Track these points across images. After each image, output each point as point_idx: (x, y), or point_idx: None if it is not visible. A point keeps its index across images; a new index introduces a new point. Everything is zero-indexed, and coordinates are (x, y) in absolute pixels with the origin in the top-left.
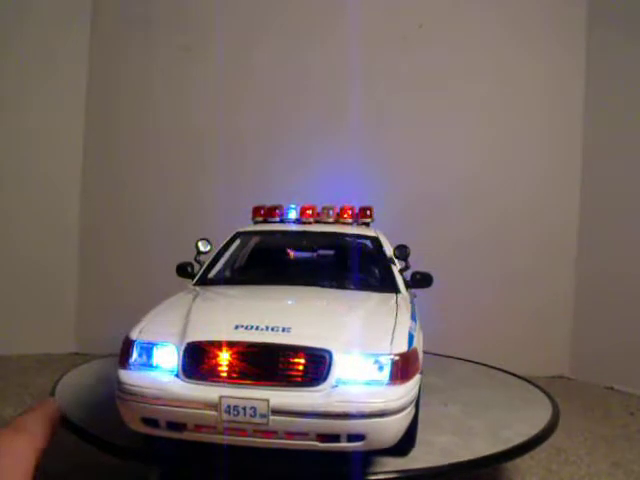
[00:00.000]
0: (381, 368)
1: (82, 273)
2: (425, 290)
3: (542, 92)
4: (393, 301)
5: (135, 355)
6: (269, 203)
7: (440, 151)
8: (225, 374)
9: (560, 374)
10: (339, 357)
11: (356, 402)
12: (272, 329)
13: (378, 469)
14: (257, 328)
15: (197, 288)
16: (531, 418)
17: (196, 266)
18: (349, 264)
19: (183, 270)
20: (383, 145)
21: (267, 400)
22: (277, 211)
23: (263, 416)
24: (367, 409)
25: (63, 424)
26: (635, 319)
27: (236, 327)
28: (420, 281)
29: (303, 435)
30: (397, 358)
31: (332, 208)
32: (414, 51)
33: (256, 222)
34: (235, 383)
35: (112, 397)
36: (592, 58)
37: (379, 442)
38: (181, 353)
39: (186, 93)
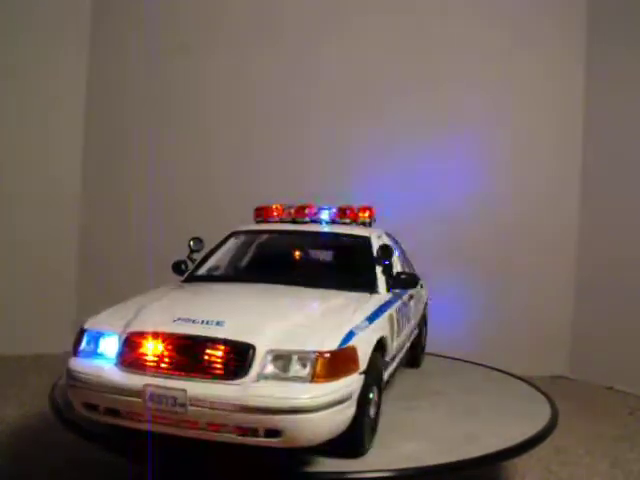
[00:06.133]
0: (304, 365)
1: (82, 273)
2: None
3: (543, 93)
4: (361, 300)
5: (84, 344)
6: (266, 203)
7: (441, 154)
8: (152, 364)
9: (560, 374)
10: (263, 352)
11: (271, 397)
12: (207, 322)
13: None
14: (193, 321)
15: (184, 285)
16: (530, 418)
17: (189, 264)
18: (332, 263)
19: (178, 268)
20: (384, 145)
21: (185, 390)
22: (275, 211)
23: (182, 405)
24: (282, 404)
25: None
26: (635, 319)
27: (174, 320)
28: (404, 281)
29: (222, 427)
30: (323, 355)
31: (331, 208)
32: (414, 53)
33: (257, 222)
34: (161, 373)
35: None
36: (592, 58)
37: (298, 440)
38: (121, 342)
39: (186, 92)
